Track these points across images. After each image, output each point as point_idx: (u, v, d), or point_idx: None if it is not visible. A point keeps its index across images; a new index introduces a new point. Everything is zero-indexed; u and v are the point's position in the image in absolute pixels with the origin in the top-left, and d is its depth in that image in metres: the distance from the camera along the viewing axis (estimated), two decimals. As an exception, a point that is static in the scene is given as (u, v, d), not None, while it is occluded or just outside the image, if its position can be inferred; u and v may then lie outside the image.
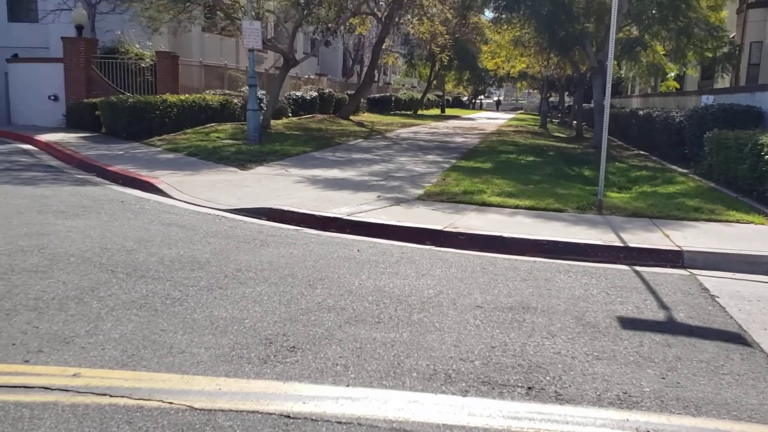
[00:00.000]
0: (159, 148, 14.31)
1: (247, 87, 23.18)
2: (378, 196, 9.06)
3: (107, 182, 10.43)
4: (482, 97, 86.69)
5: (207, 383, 3.42)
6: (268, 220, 8.02)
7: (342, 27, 28.54)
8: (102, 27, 22.00)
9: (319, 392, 3.38)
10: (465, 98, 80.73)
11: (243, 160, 12.40)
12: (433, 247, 6.94)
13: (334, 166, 12.20)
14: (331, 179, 10.58)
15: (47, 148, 14.77)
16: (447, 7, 31.27)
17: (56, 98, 20.27)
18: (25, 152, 14.25)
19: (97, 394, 3.24)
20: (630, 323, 4.65)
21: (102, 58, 20.42)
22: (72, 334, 4.00)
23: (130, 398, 3.22)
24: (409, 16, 31.00)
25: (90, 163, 11.88)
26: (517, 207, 8.59)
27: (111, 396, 3.24)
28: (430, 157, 14.42)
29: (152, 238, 6.55)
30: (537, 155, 15.75)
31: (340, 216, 7.67)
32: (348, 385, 3.46)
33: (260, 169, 11.52)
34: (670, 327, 4.60)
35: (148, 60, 20.42)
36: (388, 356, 3.86)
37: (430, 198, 9.10)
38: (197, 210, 8.23)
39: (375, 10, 29.49)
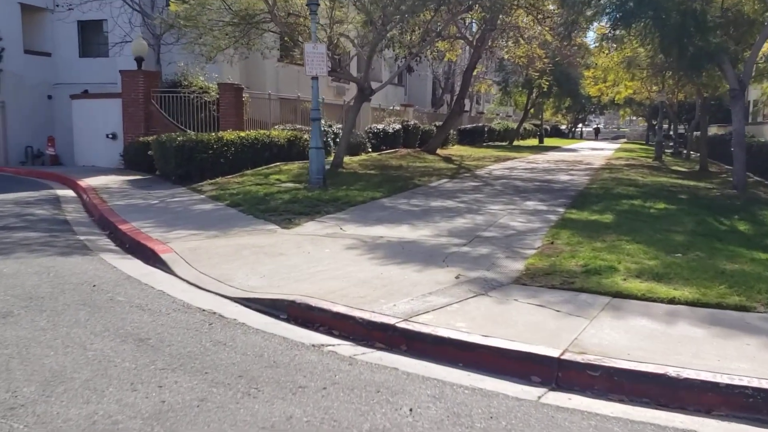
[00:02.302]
0: (203, 195, 12.04)
1: (321, 121, 21.10)
2: (457, 278, 6.20)
3: (109, 247, 8.12)
4: (581, 125, 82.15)
5: None
6: (287, 319, 5.34)
7: (428, 52, 26.06)
8: (167, 59, 20.44)
9: None
10: (563, 127, 76.52)
11: (293, 212, 9.87)
12: (545, 393, 4.03)
13: (405, 221, 9.44)
14: (395, 243, 7.81)
15: (84, 193, 12.85)
16: (546, 28, 28.21)
17: (114, 136, 18.67)
18: (53, 201, 12.34)
19: None
20: None
21: (164, 92, 18.70)
22: None
23: None
24: (503, 41, 28.14)
25: (107, 218, 9.68)
26: (672, 301, 5.49)
27: None
28: (531, 205, 11.42)
29: (76, 374, 3.99)
30: (667, 200, 12.41)
31: (392, 321, 4.88)
32: None
33: (309, 226, 8.91)
34: None
35: (213, 93, 18.52)
36: None
37: (533, 279, 6.15)
38: (190, 300, 5.65)
39: (465, 33, 26.85)
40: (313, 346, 4.65)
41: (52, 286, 5.99)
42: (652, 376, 4.03)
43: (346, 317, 5.06)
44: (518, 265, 6.68)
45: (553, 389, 4.13)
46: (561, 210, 10.68)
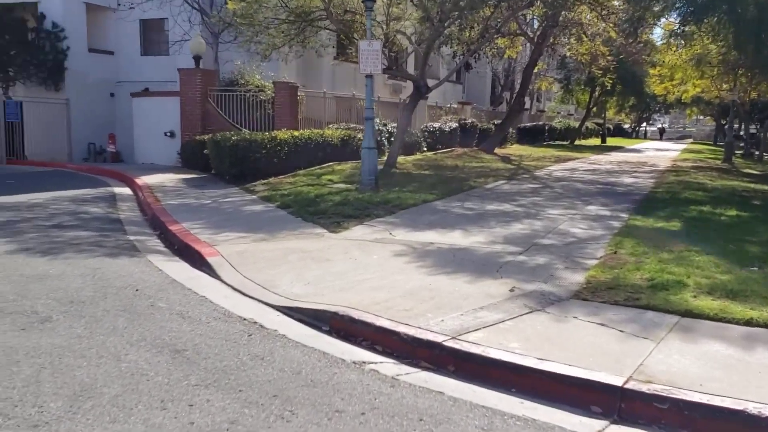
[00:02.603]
0: (254, 196, 11.95)
1: (376, 120, 20.87)
2: (511, 290, 5.82)
3: (158, 248, 8.05)
4: (645, 124, 79.64)
5: None
6: (329, 332, 5.09)
7: (487, 49, 25.50)
8: (225, 57, 20.57)
9: None
10: (626, 126, 74.36)
11: (342, 215, 9.63)
12: (606, 426, 3.65)
13: (457, 226, 9.08)
14: (446, 250, 7.47)
15: (140, 192, 12.95)
16: (610, 25, 27.24)
17: (172, 134, 18.87)
18: (109, 198, 12.46)
19: None
20: None
21: (221, 91, 18.80)
22: None
23: None
24: (565, 38, 27.32)
25: (158, 218, 9.65)
26: (749, 323, 4.99)
27: None
28: (592, 209, 10.88)
29: (106, 388, 3.81)
30: (739, 206, 11.66)
31: (440, 339, 4.56)
32: None
33: (357, 230, 8.66)
34: None
35: (268, 92, 18.51)
36: None
37: (595, 294, 5.72)
38: (232, 308, 5.46)
39: (526, 29, 26.19)
40: (354, 363, 4.38)
41: (95, 289, 5.89)
42: (729, 412, 3.60)
43: (390, 332, 4.77)
44: (578, 278, 6.26)
45: (614, 422, 3.74)
46: (624, 216, 10.12)
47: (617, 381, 3.91)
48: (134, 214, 10.75)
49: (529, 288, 5.90)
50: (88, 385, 3.84)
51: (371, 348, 4.76)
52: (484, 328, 4.81)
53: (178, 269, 6.92)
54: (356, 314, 5.07)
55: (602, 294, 5.69)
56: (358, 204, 10.60)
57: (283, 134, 15.07)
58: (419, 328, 4.77)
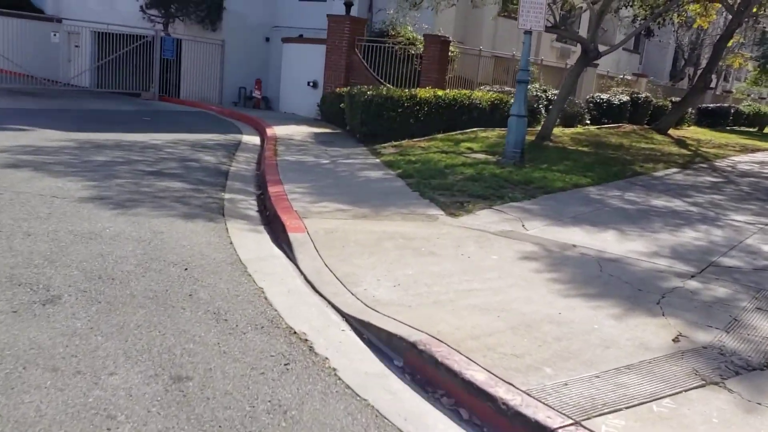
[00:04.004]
0: (378, 159, 10.62)
1: (535, 85, 18.74)
2: (676, 340, 4.03)
3: (247, 212, 6.94)
4: None
5: None
6: (402, 369, 3.65)
7: (674, 15, 22.25)
8: (380, 5, 19.24)
9: None
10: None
11: (469, 193, 8.06)
12: None
13: (611, 223, 7.21)
14: (591, 259, 5.71)
15: (266, 143, 12.11)
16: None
17: (315, 85, 17.96)
18: (232, 147, 11.65)
19: None
20: None
21: (369, 42, 17.55)
22: None
23: None
24: (771, 7, 23.29)
25: (264, 177, 8.61)
26: None
27: None
28: (792, 219, 8.51)
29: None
30: None
31: (556, 424, 2.96)
32: None
33: (481, 216, 7.05)
34: None
35: (419, 45, 17.03)
36: None
37: (806, 364, 3.82)
38: (287, 311, 4.16)
39: (725, -6, 22.57)
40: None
41: (138, 261, 4.83)
42: None
43: (482, 393, 3.23)
44: (778, 330, 4.33)
45: None
46: (840, 234, 7.70)
47: None
48: (247, 167, 9.82)
49: (703, 339, 4.08)
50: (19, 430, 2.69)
51: (453, 409, 3.27)
52: (627, 408, 3.14)
53: (253, 244, 5.74)
54: (442, 352, 3.58)
55: (821, 369, 3.77)
56: (493, 181, 8.96)
57: (424, 92, 13.57)
58: (527, 394, 3.19)
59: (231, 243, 5.63)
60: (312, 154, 10.90)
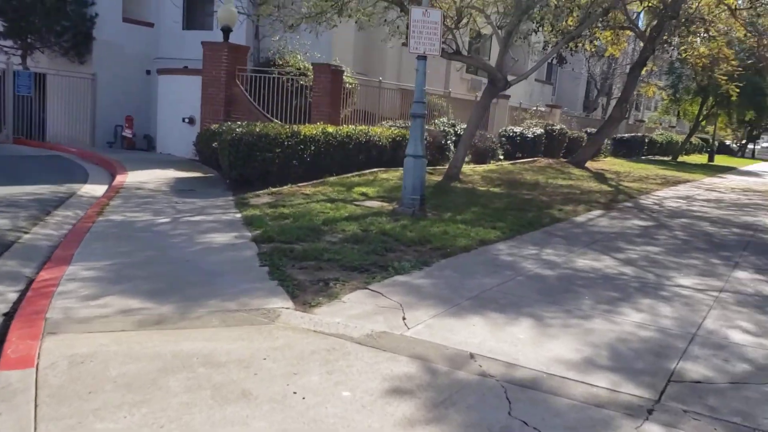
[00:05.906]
0: (239, 215, 8.42)
1: (443, 119, 17.09)
2: None
3: (-9, 315, 4.62)
4: (754, 143, 71.88)
5: None
6: None
7: (586, 44, 21.19)
8: (266, 32, 17.25)
9: None
10: (731, 143, 67.01)
11: (343, 264, 6.00)
12: None
13: (525, 305, 5.26)
14: (494, 387, 3.69)
15: (104, 195, 9.78)
16: (738, 23, 22.38)
17: (191, 121, 15.72)
18: (52, 203, 9.20)
19: None
20: None
21: (254, 72, 15.49)
22: None
23: None
24: (682, 36, 22.63)
25: (55, 253, 6.28)
26: None
27: None
28: (745, 279, 6.85)
29: None
30: None
31: None
32: None
33: (348, 304, 4.96)
34: None
35: (311, 76, 15.08)
36: None
37: None
38: None
39: (637, 21, 21.81)
40: None
41: None
42: None
43: None
44: None
45: None
46: (811, 301, 6.03)
47: None
48: (54, 233, 7.39)
49: None
50: None
51: None
52: None
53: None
54: None
55: None
56: (380, 242, 6.95)
57: (310, 129, 11.55)
58: None
59: None
60: (154, 209, 8.62)
